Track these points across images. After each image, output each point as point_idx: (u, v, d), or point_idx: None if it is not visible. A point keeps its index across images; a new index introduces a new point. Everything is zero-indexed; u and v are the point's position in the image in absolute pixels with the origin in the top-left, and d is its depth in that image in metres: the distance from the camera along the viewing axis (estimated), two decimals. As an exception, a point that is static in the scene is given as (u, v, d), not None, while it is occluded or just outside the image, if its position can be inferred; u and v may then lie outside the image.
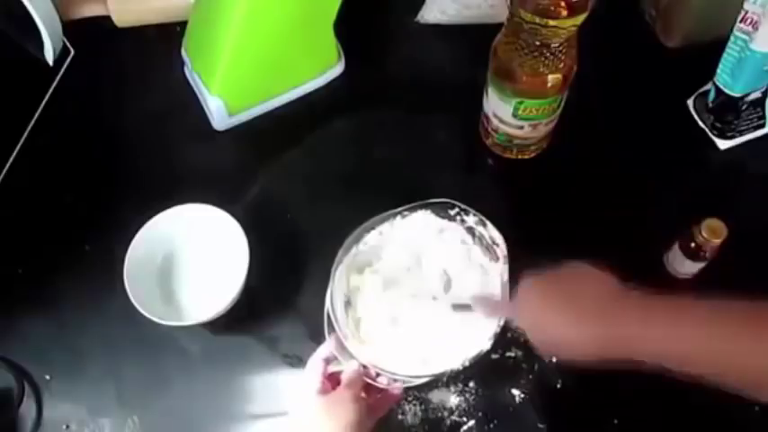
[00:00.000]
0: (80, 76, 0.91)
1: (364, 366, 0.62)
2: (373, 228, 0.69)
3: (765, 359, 0.49)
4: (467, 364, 0.62)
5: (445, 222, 0.70)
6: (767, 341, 0.49)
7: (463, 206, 0.68)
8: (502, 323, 0.63)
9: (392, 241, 0.70)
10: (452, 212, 0.69)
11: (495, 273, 0.67)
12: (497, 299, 0.65)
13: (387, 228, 0.69)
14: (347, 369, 0.62)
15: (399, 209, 0.69)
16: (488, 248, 0.68)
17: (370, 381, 0.63)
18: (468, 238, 0.70)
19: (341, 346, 0.63)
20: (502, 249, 0.66)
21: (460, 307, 0.65)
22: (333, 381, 0.62)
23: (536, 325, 0.58)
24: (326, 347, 0.64)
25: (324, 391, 0.60)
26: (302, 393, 0.61)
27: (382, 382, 0.63)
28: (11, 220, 0.83)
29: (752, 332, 0.50)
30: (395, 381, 0.63)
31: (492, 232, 0.67)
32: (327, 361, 0.63)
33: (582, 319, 0.54)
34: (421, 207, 0.69)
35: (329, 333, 0.64)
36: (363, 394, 0.62)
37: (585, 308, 0.54)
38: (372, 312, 0.67)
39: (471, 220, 0.69)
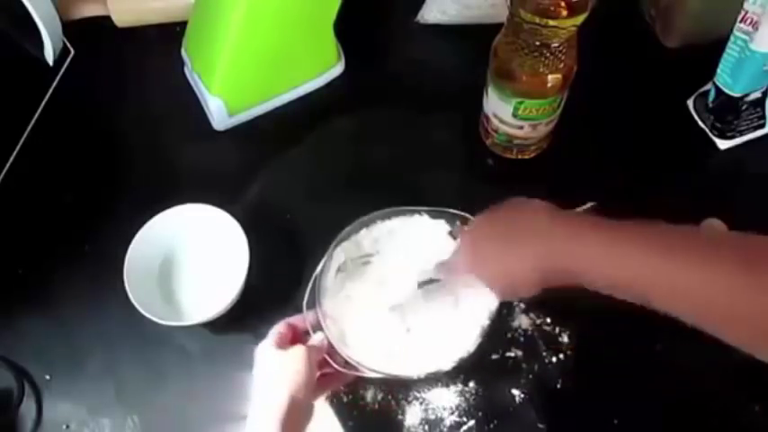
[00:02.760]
0: (80, 76, 0.91)
1: (330, 345, 0.62)
2: (388, 218, 0.69)
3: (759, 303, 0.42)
4: (422, 376, 0.62)
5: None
6: (708, 266, 0.43)
7: (470, 217, 0.67)
8: (476, 343, 0.63)
9: (400, 236, 0.69)
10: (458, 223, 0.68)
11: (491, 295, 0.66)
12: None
13: (399, 222, 0.69)
14: (314, 339, 0.63)
15: (418, 207, 0.69)
16: None
17: (328, 358, 0.62)
18: None
19: (316, 321, 0.63)
20: None
21: (425, 283, 0.64)
22: (293, 341, 0.62)
23: (478, 262, 0.57)
24: (299, 318, 0.64)
25: (279, 345, 0.60)
26: (260, 347, 0.61)
27: (338, 361, 0.63)
28: (11, 220, 0.83)
29: (746, 266, 0.43)
30: (349, 366, 0.63)
31: None
32: (292, 326, 0.63)
33: (518, 243, 0.53)
34: (438, 213, 0.69)
35: (308, 300, 0.64)
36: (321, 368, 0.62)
37: (520, 231, 0.53)
38: (360, 299, 0.67)
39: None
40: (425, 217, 0.69)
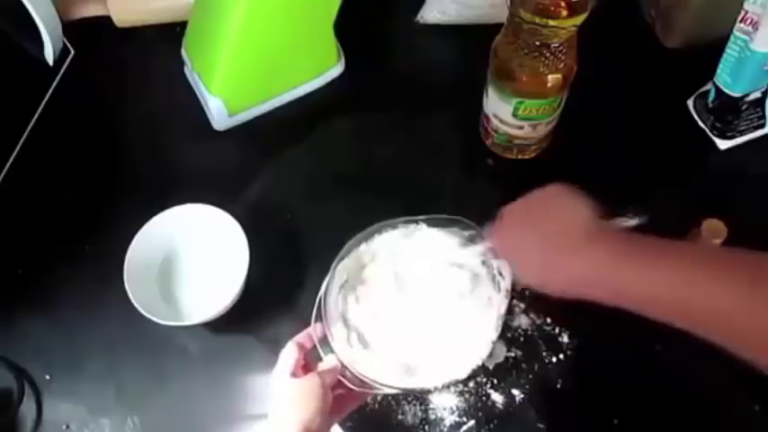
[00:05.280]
0: (80, 76, 0.91)
1: (343, 366, 0.62)
2: (388, 229, 0.68)
3: (759, 318, 0.44)
4: (439, 387, 0.62)
5: (460, 241, 0.68)
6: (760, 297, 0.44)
7: (480, 230, 0.66)
8: (484, 357, 0.63)
9: (400, 247, 0.69)
10: (468, 233, 0.67)
11: (495, 303, 0.65)
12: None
13: (398, 234, 0.68)
14: (325, 362, 0.62)
15: (419, 217, 0.68)
16: (493, 278, 0.67)
17: (342, 379, 0.62)
18: (479, 263, 0.68)
19: (324, 338, 0.63)
20: (506, 283, 0.65)
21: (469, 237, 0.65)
22: (305, 367, 0.62)
23: (508, 252, 0.58)
24: (306, 335, 0.63)
25: (294, 375, 0.59)
26: (274, 374, 0.60)
27: (352, 384, 0.62)
28: (11, 220, 0.83)
29: (749, 284, 0.45)
30: (365, 384, 0.62)
31: (499, 263, 0.66)
32: (301, 346, 0.62)
33: (559, 251, 0.53)
34: (440, 221, 0.68)
35: (316, 321, 0.64)
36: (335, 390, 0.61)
37: (559, 239, 0.53)
38: (365, 315, 0.66)
39: (485, 246, 0.67)
40: (423, 226, 0.68)
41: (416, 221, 0.68)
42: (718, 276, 0.47)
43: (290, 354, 0.61)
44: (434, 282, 0.67)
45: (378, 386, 0.62)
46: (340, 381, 0.62)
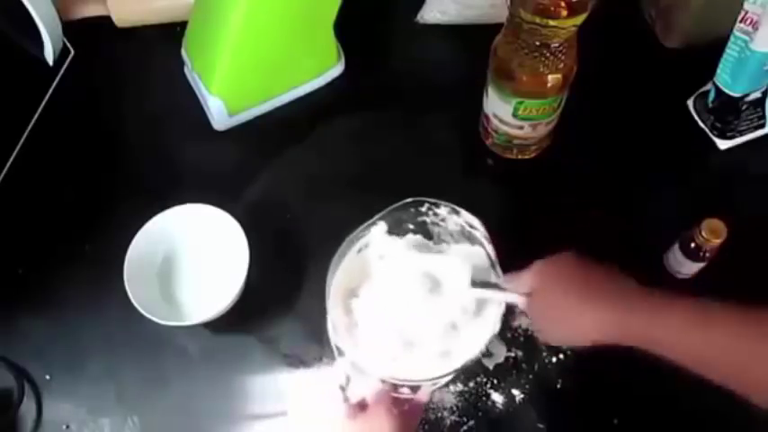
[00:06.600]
0: (80, 76, 0.91)
1: (383, 381, 0.61)
2: (350, 248, 0.68)
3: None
4: (473, 358, 0.61)
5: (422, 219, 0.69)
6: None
7: (432, 200, 0.67)
8: (503, 306, 0.63)
9: (374, 255, 0.69)
10: (423, 209, 0.68)
11: (483, 256, 0.66)
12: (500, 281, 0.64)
13: (363, 243, 0.68)
14: (369, 387, 0.60)
15: (371, 220, 0.67)
16: (469, 236, 0.67)
17: (394, 394, 0.61)
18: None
19: (354, 368, 0.62)
20: (481, 231, 0.65)
21: (482, 284, 0.65)
22: (356, 404, 0.60)
23: (546, 313, 0.60)
24: (337, 372, 0.62)
25: (352, 415, 0.57)
26: (331, 422, 0.58)
27: (405, 392, 0.61)
28: (11, 220, 0.83)
29: (754, 334, 0.51)
30: (417, 388, 0.61)
31: (467, 218, 0.66)
32: (342, 388, 0.60)
33: (593, 305, 0.56)
34: (388, 214, 0.68)
35: (338, 356, 0.63)
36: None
37: (595, 294, 0.56)
38: (375, 328, 0.66)
39: (443, 211, 0.68)
40: (382, 223, 0.68)
41: (374, 223, 0.68)
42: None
43: (333, 401, 0.59)
44: (418, 271, 0.67)
45: (424, 383, 0.62)
46: (395, 399, 0.60)
